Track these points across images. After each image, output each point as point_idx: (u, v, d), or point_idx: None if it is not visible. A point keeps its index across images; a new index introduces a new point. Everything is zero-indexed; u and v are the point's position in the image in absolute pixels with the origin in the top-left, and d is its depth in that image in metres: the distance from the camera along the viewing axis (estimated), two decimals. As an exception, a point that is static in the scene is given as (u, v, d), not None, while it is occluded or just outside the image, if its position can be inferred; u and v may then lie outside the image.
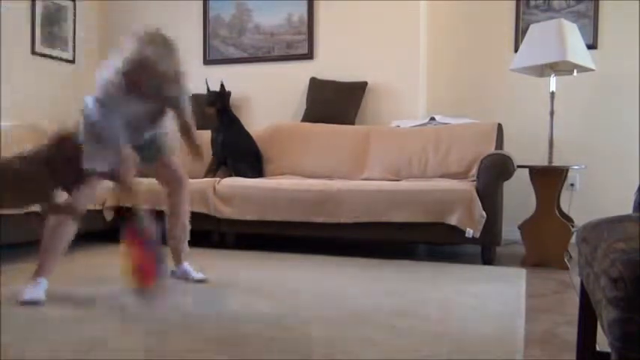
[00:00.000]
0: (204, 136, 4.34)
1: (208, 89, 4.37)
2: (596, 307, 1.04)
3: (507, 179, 3.29)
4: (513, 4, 4.31)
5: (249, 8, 4.80)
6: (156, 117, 2.51)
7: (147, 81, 2.29)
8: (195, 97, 4.67)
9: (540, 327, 2.03)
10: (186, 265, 2.80)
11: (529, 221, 3.35)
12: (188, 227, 2.80)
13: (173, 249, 2.79)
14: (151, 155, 2.64)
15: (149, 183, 2.90)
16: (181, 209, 2.75)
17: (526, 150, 4.07)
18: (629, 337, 0.83)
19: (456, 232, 3.20)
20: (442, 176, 3.75)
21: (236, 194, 3.67)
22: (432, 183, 3.46)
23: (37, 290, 2.30)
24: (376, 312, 2.17)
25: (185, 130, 2.54)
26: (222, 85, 4.34)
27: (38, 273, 2.37)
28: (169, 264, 2.81)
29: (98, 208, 3.84)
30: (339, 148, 4.16)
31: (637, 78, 4.01)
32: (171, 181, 2.74)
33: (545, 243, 3.26)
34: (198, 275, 2.75)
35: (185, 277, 2.75)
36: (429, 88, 4.52)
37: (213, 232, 3.87)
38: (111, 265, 3.14)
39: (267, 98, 4.77)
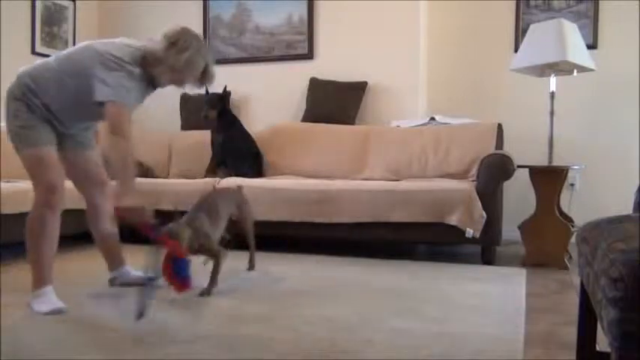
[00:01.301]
0: (202, 137, 4.36)
1: (207, 91, 4.36)
2: (596, 307, 1.04)
3: (507, 179, 3.29)
4: (513, 4, 4.31)
5: (249, 8, 4.80)
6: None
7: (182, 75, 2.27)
8: (195, 98, 4.71)
9: (540, 327, 2.03)
10: (128, 266, 2.59)
11: (529, 221, 3.35)
12: (115, 226, 2.53)
13: (108, 252, 2.56)
14: (76, 144, 2.42)
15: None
16: (106, 210, 2.45)
17: (526, 150, 4.07)
18: (628, 337, 0.83)
19: (456, 232, 3.20)
20: (442, 176, 3.75)
21: (236, 194, 3.67)
22: (432, 183, 3.46)
23: (51, 301, 2.17)
24: (376, 312, 2.17)
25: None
26: (224, 89, 4.34)
27: (38, 284, 2.20)
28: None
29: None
30: (339, 148, 4.16)
31: (637, 78, 4.01)
32: (92, 182, 2.47)
33: (545, 243, 3.26)
34: (137, 273, 2.47)
35: (129, 279, 2.53)
36: (429, 88, 4.52)
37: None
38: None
39: (267, 98, 4.77)
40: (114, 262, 2.58)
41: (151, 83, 2.35)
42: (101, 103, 2.14)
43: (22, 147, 2.20)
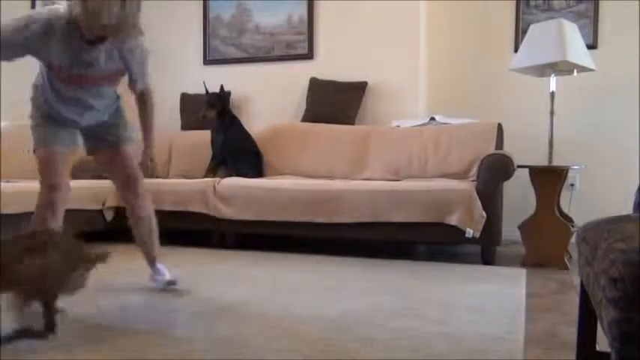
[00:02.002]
0: (202, 137, 4.36)
1: (207, 91, 4.37)
2: (596, 307, 1.04)
3: (507, 179, 3.29)
4: (513, 4, 4.31)
5: (249, 8, 4.80)
6: (109, 85, 2.28)
7: (102, 30, 1.97)
8: (195, 98, 4.71)
9: (540, 327, 2.03)
10: (159, 266, 2.55)
11: (529, 221, 3.35)
12: (154, 226, 2.50)
13: (143, 252, 2.53)
14: (109, 144, 2.40)
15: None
16: (140, 208, 2.46)
17: (526, 150, 4.07)
18: (628, 337, 0.83)
19: (456, 232, 3.20)
20: (442, 176, 3.75)
21: (236, 194, 3.67)
22: (432, 183, 3.46)
23: None
24: (376, 312, 2.17)
25: (143, 112, 2.39)
26: (221, 88, 4.35)
27: None
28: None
29: (98, 208, 3.84)
30: (339, 148, 4.16)
31: (637, 78, 4.01)
32: (123, 178, 2.44)
33: (545, 243, 3.26)
34: (167, 277, 2.50)
35: (156, 280, 2.52)
36: (429, 88, 4.52)
37: (213, 232, 3.87)
38: (110, 264, 3.14)
39: (267, 98, 4.77)
40: (148, 261, 2.54)
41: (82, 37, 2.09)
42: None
43: (34, 146, 2.24)
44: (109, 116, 2.41)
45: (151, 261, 2.54)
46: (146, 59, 2.32)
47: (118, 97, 2.44)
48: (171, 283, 2.48)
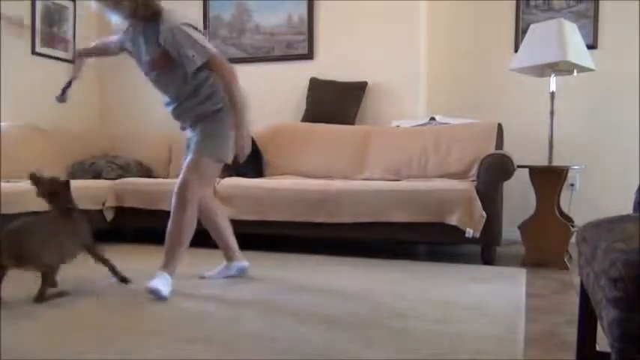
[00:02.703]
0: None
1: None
2: (596, 307, 1.04)
3: (507, 179, 3.29)
4: (513, 4, 4.31)
5: (249, 8, 4.80)
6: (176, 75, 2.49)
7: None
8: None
9: (540, 327, 2.03)
10: (161, 272, 2.43)
11: (529, 221, 3.35)
12: (178, 238, 2.49)
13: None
14: (192, 144, 2.63)
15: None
16: (173, 215, 2.55)
17: (526, 150, 4.07)
18: (629, 337, 0.83)
19: (456, 232, 3.20)
20: (442, 176, 3.75)
21: (236, 194, 3.67)
22: (432, 183, 3.46)
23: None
24: (376, 312, 2.17)
25: (222, 85, 2.59)
26: None
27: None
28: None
29: (98, 208, 3.84)
30: (339, 148, 4.16)
31: (637, 78, 4.01)
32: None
33: (545, 243, 3.26)
34: (150, 285, 2.34)
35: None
36: (429, 88, 4.52)
37: (213, 232, 3.87)
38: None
39: (267, 98, 4.76)
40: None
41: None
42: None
43: None
44: (201, 120, 2.60)
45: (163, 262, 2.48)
46: (183, 39, 2.37)
47: (208, 100, 2.65)
48: (150, 291, 2.32)
